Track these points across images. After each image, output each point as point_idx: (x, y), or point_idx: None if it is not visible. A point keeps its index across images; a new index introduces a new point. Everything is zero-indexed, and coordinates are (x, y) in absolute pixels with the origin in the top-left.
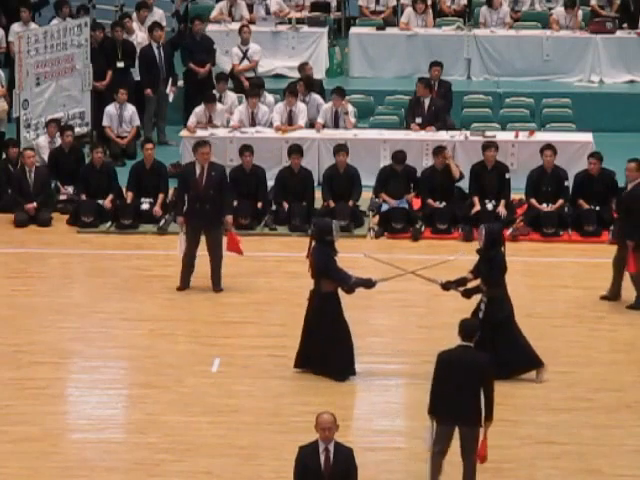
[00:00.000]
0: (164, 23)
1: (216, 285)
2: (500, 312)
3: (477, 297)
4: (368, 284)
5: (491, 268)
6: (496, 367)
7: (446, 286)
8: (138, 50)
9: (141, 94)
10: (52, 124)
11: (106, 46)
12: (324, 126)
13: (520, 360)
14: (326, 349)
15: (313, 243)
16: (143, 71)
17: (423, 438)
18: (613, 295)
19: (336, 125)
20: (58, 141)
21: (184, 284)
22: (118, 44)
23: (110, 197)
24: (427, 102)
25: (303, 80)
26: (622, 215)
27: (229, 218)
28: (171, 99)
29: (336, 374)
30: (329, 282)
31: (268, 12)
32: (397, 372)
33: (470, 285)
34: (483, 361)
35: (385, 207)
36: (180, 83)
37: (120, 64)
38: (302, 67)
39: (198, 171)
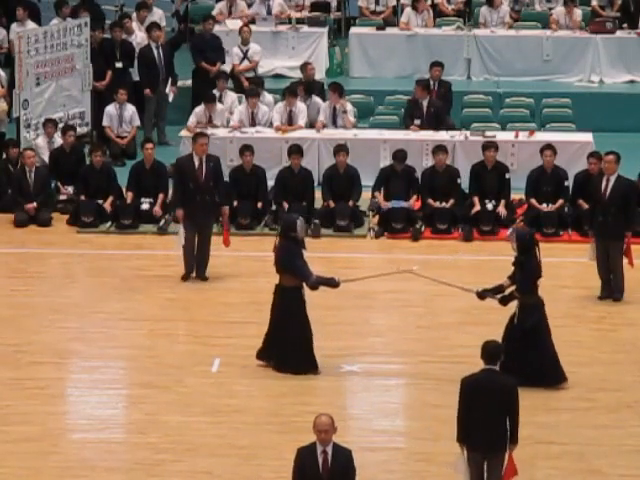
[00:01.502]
0: (163, 23)
1: (202, 274)
2: (532, 318)
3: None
4: (331, 283)
5: (522, 274)
6: (520, 374)
7: (482, 295)
8: (138, 50)
9: (140, 94)
10: (49, 124)
11: (105, 46)
12: (324, 125)
13: (544, 377)
14: (285, 345)
15: (278, 238)
16: (142, 71)
17: (455, 468)
18: (609, 292)
19: (334, 123)
20: (57, 141)
21: (189, 270)
22: (116, 44)
23: (110, 199)
24: (425, 104)
25: (303, 84)
26: (613, 210)
27: (226, 209)
28: (171, 99)
29: (294, 370)
30: (291, 277)
31: (269, 12)
32: (397, 372)
33: (508, 292)
34: (510, 385)
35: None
36: (188, 82)
37: (118, 64)
38: (304, 67)
39: (197, 163)
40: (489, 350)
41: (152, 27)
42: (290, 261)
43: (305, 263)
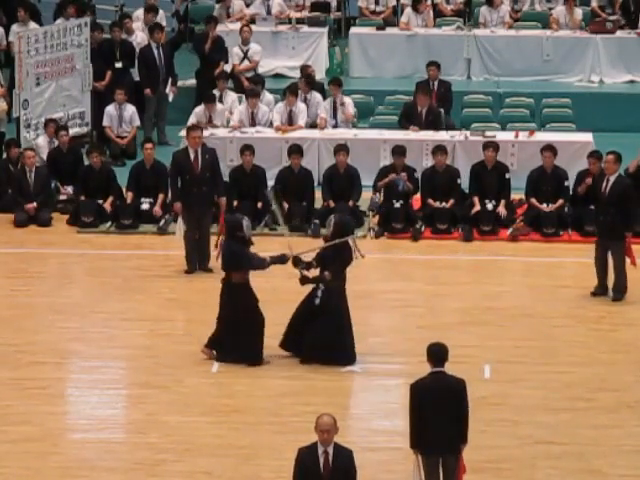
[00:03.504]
0: (164, 23)
1: (205, 265)
2: (337, 303)
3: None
4: (282, 260)
5: (335, 259)
6: (309, 346)
7: (296, 262)
8: (138, 50)
9: (141, 94)
10: (51, 124)
11: (105, 46)
12: (326, 121)
13: (332, 356)
14: (241, 340)
15: (222, 237)
16: (142, 71)
17: (413, 476)
18: (604, 289)
19: (334, 117)
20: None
21: (192, 266)
22: (116, 45)
23: (110, 199)
24: (424, 111)
25: (304, 78)
26: (612, 210)
27: (223, 200)
28: (171, 99)
29: (248, 361)
30: (240, 274)
31: (269, 12)
32: (397, 372)
33: (312, 274)
34: (458, 385)
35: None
36: (188, 82)
37: (118, 64)
38: (304, 69)
39: (192, 155)
40: (435, 353)
41: (154, 28)
42: (238, 260)
43: (253, 253)
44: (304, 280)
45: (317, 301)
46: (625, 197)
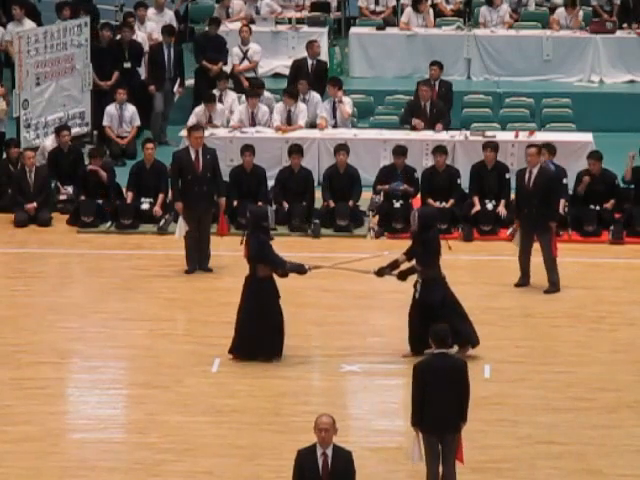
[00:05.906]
0: (174, 24)
1: (205, 265)
2: (434, 294)
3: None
4: (300, 270)
5: (425, 250)
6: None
7: (380, 272)
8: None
9: (147, 93)
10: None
11: (112, 46)
12: (326, 124)
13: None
14: (260, 333)
15: (246, 233)
16: (150, 68)
17: (410, 452)
18: (526, 281)
19: (334, 116)
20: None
21: (192, 266)
22: (125, 45)
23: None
24: (428, 105)
25: (305, 79)
26: (535, 201)
27: (223, 200)
28: (176, 99)
29: (267, 357)
30: (264, 267)
31: (258, 13)
32: (397, 372)
33: (404, 267)
34: (461, 366)
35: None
36: (188, 82)
37: (127, 65)
38: (310, 45)
39: (193, 155)
40: (437, 333)
41: (165, 31)
42: (262, 251)
43: (275, 253)
44: (400, 275)
45: (417, 295)
46: (549, 187)
